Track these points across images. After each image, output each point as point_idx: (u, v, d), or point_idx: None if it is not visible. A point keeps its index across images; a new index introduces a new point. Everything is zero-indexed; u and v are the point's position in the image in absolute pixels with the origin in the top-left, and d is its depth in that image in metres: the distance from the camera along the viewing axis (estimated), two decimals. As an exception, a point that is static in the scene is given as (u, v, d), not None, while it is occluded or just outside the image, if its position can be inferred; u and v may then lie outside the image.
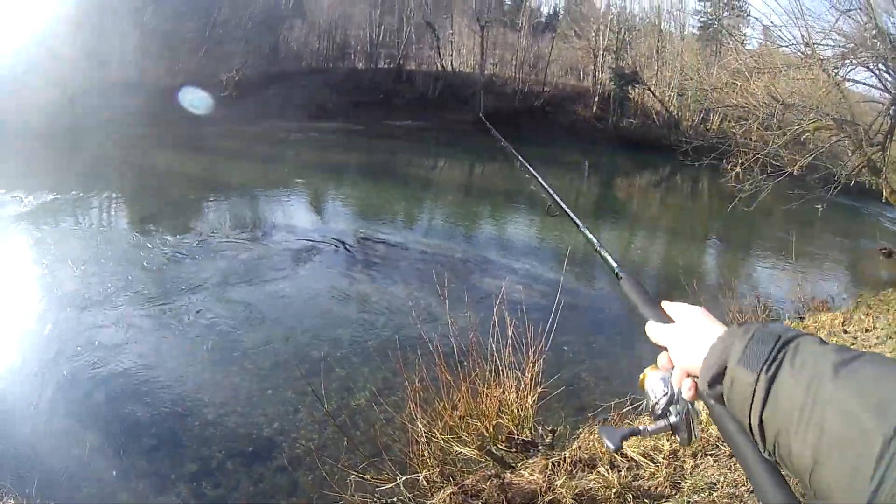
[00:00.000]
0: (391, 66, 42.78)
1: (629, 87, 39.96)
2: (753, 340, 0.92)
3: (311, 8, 41.68)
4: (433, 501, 4.50)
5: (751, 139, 19.56)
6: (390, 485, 4.59)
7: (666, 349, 1.18)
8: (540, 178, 2.39)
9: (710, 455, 5.14)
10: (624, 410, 5.77)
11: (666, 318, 1.23)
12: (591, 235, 1.74)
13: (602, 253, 1.59)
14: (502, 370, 4.97)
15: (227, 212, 15.97)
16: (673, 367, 1.17)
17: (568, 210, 2.00)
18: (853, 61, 16.44)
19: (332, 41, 42.38)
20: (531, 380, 4.98)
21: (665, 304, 1.25)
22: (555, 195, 2.09)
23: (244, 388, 7.40)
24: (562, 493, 4.45)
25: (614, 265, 1.51)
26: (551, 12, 51.80)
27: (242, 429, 6.56)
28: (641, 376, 1.26)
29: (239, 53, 34.17)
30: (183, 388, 7.30)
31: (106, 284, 10.03)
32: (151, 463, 6.00)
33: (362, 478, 4.69)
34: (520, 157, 2.92)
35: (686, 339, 1.10)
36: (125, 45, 30.25)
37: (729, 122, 31.22)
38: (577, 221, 1.90)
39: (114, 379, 7.37)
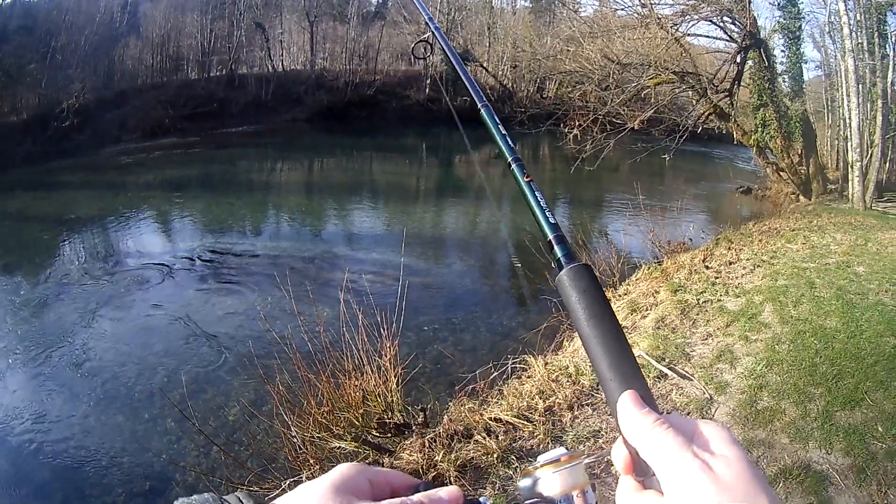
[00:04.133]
0: (223, 72, 41.51)
1: (461, 66, 40.67)
2: None
3: (144, 23, 39.73)
4: (320, 500, 4.52)
5: (587, 101, 20.27)
6: (277, 492, 4.58)
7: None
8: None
9: (587, 405, 5.37)
10: (490, 378, 5.94)
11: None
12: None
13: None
14: (360, 359, 5.03)
15: (80, 248, 15.51)
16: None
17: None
18: (694, 17, 17.43)
19: (166, 54, 40.63)
20: (390, 363, 5.07)
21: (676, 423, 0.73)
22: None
23: (128, 425, 7.32)
24: (444, 466, 4.56)
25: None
26: (380, 0, 51.73)
27: (137, 468, 6.55)
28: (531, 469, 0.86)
29: (78, 78, 32.24)
30: (73, 437, 7.15)
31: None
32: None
33: (251, 491, 4.65)
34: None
35: None
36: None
37: (565, 87, 32.24)
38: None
39: (6, 441, 7.11)
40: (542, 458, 0.86)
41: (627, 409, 0.76)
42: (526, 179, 1.13)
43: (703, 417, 5.07)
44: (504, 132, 1.24)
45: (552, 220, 1.06)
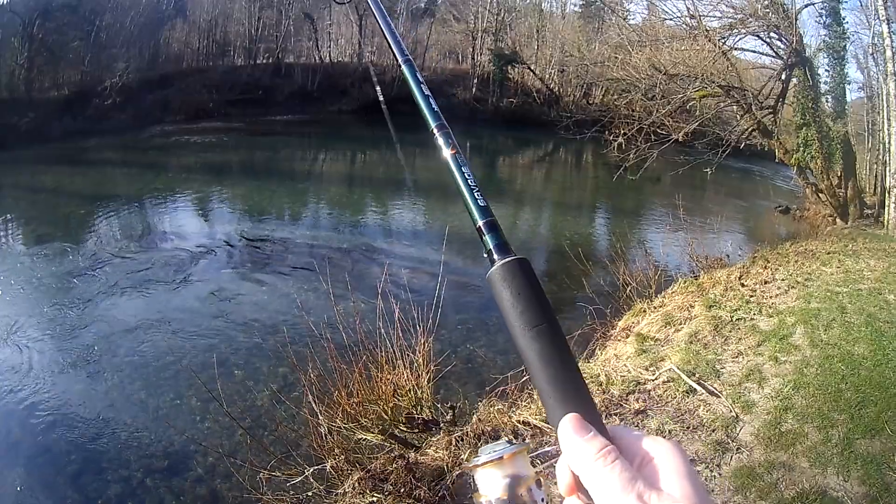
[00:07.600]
0: (270, 60, 41.77)
1: (509, 67, 40.24)
2: None
3: (192, 7, 40.13)
4: (343, 488, 4.61)
5: (633, 110, 20.18)
6: (300, 478, 4.66)
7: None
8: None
9: (616, 415, 5.45)
10: (521, 381, 5.99)
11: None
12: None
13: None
14: (394, 353, 5.11)
15: (116, 225, 15.57)
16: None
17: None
18: (741, 31, 17.24)
19: (213, 39, 40.91)
20: (423, 360, 5.14)
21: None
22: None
23: (151, 402, 7.38)
24: (469, 466, 4.63)
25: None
26: (430, -2, 51.61)
27: (156, 444, 6.59)
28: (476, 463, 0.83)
29: (122, 58, 32.69)
30: (95, 411, 7.21)
31: (1, 312, 9.68)
32: (78, 491, 5.99)
33: (273, 475, 4.75)
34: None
35: None
36: (12, 61, 28.74)
37: (612, 94, 32.01)
38: None
39: (27, 411, 7.20)
40: (483, 455, 0.82)
41: (568, 436, 0.72)
42: (451, 151, 1.00)
43: (727, 435, 5.13)
44: (428, 93, 1.07)
45: (482, 203, 0.92)
